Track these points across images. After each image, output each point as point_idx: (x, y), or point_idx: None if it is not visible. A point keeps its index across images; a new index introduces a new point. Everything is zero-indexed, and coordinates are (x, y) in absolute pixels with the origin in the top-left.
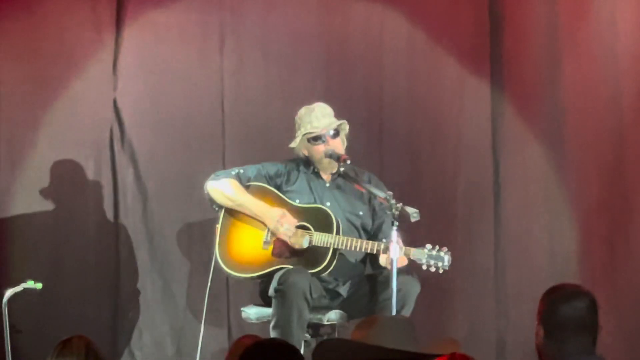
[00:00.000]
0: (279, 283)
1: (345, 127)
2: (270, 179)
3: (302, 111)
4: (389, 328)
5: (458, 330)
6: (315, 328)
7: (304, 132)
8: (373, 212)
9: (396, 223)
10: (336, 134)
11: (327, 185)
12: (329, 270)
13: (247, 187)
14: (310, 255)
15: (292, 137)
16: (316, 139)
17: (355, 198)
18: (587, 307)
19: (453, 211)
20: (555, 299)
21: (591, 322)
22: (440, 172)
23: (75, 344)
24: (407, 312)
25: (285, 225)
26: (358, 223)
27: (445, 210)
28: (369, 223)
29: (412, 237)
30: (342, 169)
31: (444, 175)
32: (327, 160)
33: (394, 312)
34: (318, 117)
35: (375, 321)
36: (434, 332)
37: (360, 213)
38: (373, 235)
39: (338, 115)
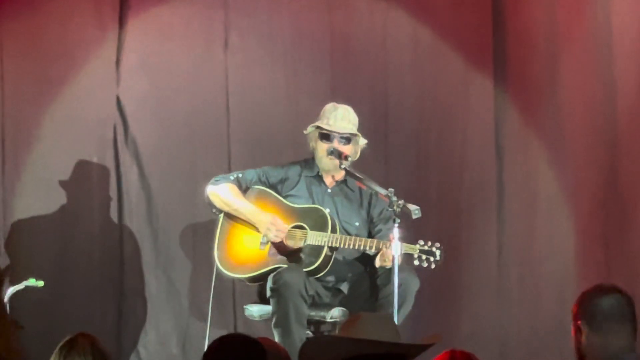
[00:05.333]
0: (274, 282)
1: (360, 140)
2: (270, 187)
3: (329, 106)
4: (372, 324)
5: (461, 326)
6: (316, 325)
7: (318, 126)
8: (370, 223)
9: (397, 220)
10: (347, 141)
11: (329, 191)
12: (327, 268)
13: (246, 190)
14: (305, 254)
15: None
16: (325, 136)
17: (355, 208)
18: (627, 300)
19: (458, 208)
20: (594, 294)
21: (631, 314)
22: (445, 169)
23: (80, 343)
24: (407, 307)
25: (274, 230)
26: (353, 233)
27: (450, 207)
28: (364, 234)
29: (419, 234)
30: (342, 166)
31: (450, 172)
32: (329, 160)
33: (395, 309)
34: (337, 118)
35: (358, 319)
36: (438, 328)
37: (357, 224)
38: None
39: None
